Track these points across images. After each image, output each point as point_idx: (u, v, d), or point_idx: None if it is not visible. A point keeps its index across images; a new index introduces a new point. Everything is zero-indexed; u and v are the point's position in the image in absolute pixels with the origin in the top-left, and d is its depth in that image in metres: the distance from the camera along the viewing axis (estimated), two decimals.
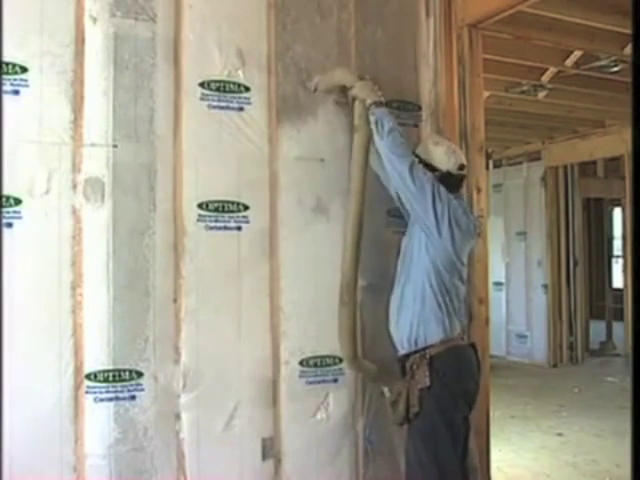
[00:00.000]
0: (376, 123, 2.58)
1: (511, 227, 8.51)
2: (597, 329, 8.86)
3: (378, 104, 2.62)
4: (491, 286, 6.80)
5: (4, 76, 2.34)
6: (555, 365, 7.92)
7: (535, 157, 8.25)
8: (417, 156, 2.64)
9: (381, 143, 2.57)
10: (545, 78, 5.36)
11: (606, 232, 10.26)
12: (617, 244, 10.37)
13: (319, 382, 2.77)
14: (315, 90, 2.81)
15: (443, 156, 2.63)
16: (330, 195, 2.82)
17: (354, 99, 2.68)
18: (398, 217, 2.81)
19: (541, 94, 5.71)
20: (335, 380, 2.80)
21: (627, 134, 4.30)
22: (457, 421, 2.51)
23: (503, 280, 8.49)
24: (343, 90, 2.79)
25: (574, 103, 6.14)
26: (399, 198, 2.69)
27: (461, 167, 2.67)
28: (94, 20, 2.49)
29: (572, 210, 8.13)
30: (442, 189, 2.55)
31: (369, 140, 2.65)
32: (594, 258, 10.03)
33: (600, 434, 5.10)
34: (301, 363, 2.74)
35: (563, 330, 8.04)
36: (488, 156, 7.66)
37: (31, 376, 2.36)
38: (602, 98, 5.91)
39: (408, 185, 2.52)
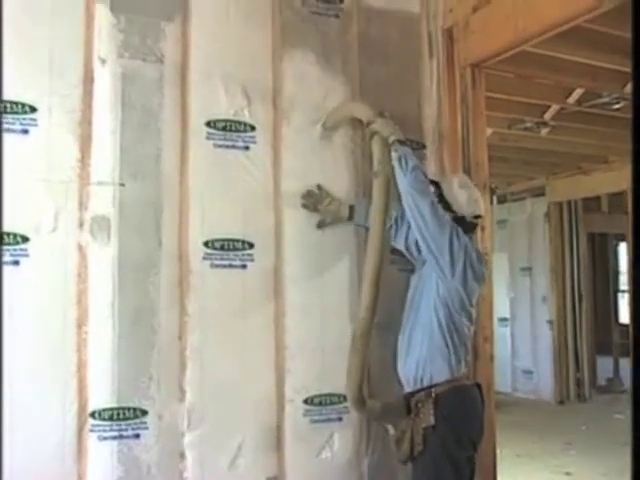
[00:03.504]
0: (399, 159, 2.57)
1: (516, 262, 8.52)
2: (604, 365, 8.79)
3: (402, 142, 2.62)
4: (496, 322, 6.78)
5: (14, 116, 2.38)
6: (562, 402, 7.86)
7: (539, 193, 8.29)
8: (439, 187, 2.66)
9: (404, 179, 2.57)
10: (548, 115, 5.41)
11: (612, 267, 10.25)
12: (623, 279, 10.34)
13: (324, 421, 2.75)
14: (323, 125, 2.84)
15: (464, 202, 2.65)
16: (336, 233, 2.83)
17: (373, 135, 2.66)
18: (402, 255, 2.81)
19: (544, 131, 5.75)
20: (340, 419, 2.78)
21: (630, 170, 4.32)
22: (461, 461, 2.48)
23: (508, 316, 8.47)
24: (355, 124, 2.81)
25: (577, 139, 6.18)
26: (406, 241, 2.71)
27: (477, 217, 2.70)
28: (103, 61, 2.53)
29: (577, 245, 8.13)
30: (460, 231, 2.57)
31: (389, 186, 2.61)
32: (600, 293, 10.00)
33: (608, 473, 5.04)
34: (306, 401, 2.72)
35: (569, 366, 7.99)
36: (492, 192, 7.70)
37: (34, 414, 2.35)
38: (604, 134, 5.95)
39: (427, 223, 2.52)
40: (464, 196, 2.66)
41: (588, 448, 5.76)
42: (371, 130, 2.67)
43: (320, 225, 2.81)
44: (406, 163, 2.57)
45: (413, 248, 2.70)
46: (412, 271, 2.76)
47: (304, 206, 2.79)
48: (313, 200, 2.80)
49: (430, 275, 2.59)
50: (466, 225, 2.64)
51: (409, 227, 2.66)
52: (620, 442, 5.72)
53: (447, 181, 2.74)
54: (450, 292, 2.53)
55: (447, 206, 2.63)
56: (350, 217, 2.83)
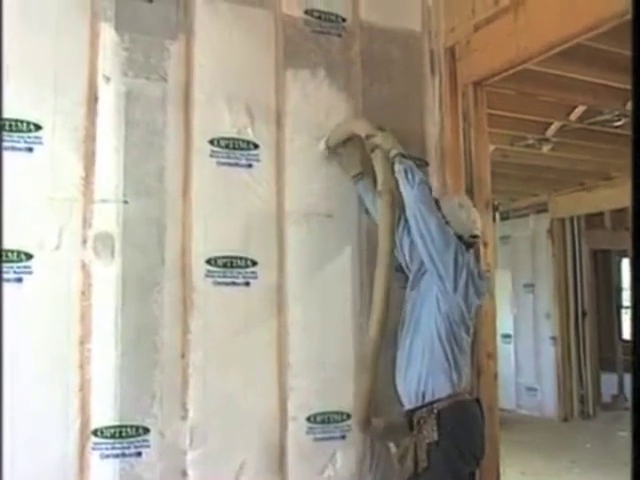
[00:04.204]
0: (405, 172, 2.58)
1: (519, 279, 8.50)
2: (608, 382, 8.74)
3: (404, 155, 2.63)
4: (499, 338, 6.73)
5: (19, 134, 2.39)
6: (566, 419, 7.80)
7: (542, 209, 8.29)
8: (438, 206, 2.67)
9: (410, 192, 2.57)
10: (550, 132, 5.42)
11: (615, 283, 10.22)
12: (626, 295, 10.30)
13: (327, 439, 2.74)
14: (326, 143, 2.85)
15: (462, 222, 2.66)
16: (339, 251, 2.84)
17: (373, 149, 2.65)
18: (403, 272, 2.82)
19: (546, 147, 5.76)
20: (343, 437, 2.77)
21: None
22: (464, 476, 2.49)
23: (511, 332, 8.44)
24: (355, 142, 2.82)
25: (579, 156, 6.19)
26: (404, 252, 2.72)
27: (474, 236, 2.71)
28: (107, 79, 2.55)
29: (580, 261, 8.12)
30: (463, 247, 2.58)
31: (395, 205, 2.60)
32: (603, 309, 9.96)
33: None
34: (308, 419, 2.71)
35: (573, 383, 7.95)
36: (495, 208, 7.70)
37: (36, 431, 2.34)
38: (606, 151, 5.96)
39: (433, 237, 2.52)
40: (463, 216, 2.67)
41: (592, 467, 5.72)
42: (372, 144, 2.66)
43: (327, 148, 2.84)
44: (412, 176, 2.57)
45: (407, 252, 2.72)
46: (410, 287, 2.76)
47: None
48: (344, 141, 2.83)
49: (430, 288, 2.59)
50: (462, 242, 2.64)
51: (404, 230, 2.68)
52: (624, 461, 5.68)
53: (446, 200, 2.75)
54: (451, 306, 2.54)
55: (445, 222, 2.63)
56: (355, 177, 2.85)
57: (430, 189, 2.66)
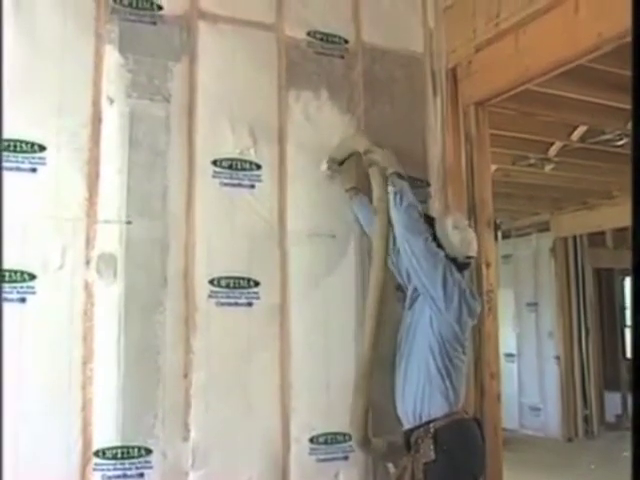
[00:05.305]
0: (395, 194, 2.59)
1: (521, 298, 8.49)
2: (612, 401, 8.69)
3: (400, 175, 2.64)
4: (502, 358, 6.74)
5: (24, 154, 2.40)
6: (570, 439, 7.75)
7: (544, 228, 8.30)
8: (433, 227, 2.67)
9: (398, 216, 2.58)
10: (551, 152, 5.44)
11: (618, 302, 10.20)
12: (630, 314, 10.24)
13: (330, 460, 2.72)
14: (328, 163, 2.86)
15: (456, 244, 2.63)
16: (342, 271, 2.84)
17: (371, 164, 2.66)
18: (404, 292, 2.82)
19: (548, 167, 5.78)
20: (345, 457, 2.75)
21: None
22: None
23: (514, 352, 8.41)
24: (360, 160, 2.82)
25: (581, 175, 6.20)
26: (401, 272, 2.75)
27: (469, 257, 2.70)
28: (111, 101, 2.56)
29: (583, 280, 8.11)
30: (453, 268, 2.58)
31: (389, 223, 2.62)
32: (607, 328, 9.94)
33: None
34: (311, 440, 2.70)
35: (577, 403, 7.91)
36: (497, 227, 7.71)
37: (38, 452, 2.33)
38: (608, 170, 5.97)
39: (420, 261, 2.54)
40: (457, 238, 2.64)
41: None
42: (369, 159, 2.67)
43: (329, 168, 2.85)
44: (401, 200, 2.58)
45: (404, 273, 2.75)
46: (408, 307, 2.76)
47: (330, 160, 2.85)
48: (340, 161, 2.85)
49: (424, 309, 2.60)
50: (457, 264, 2.64)
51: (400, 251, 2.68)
52: None
53: (441, 221, 2.72)
54: (444, 326, 2.54)
55: (439, 244, 2.62)
56: (349, 191, 2.87)
57: (419, 212, 2.63)
